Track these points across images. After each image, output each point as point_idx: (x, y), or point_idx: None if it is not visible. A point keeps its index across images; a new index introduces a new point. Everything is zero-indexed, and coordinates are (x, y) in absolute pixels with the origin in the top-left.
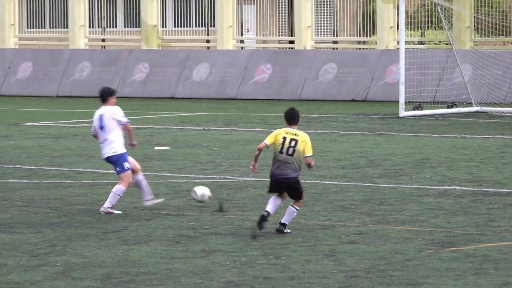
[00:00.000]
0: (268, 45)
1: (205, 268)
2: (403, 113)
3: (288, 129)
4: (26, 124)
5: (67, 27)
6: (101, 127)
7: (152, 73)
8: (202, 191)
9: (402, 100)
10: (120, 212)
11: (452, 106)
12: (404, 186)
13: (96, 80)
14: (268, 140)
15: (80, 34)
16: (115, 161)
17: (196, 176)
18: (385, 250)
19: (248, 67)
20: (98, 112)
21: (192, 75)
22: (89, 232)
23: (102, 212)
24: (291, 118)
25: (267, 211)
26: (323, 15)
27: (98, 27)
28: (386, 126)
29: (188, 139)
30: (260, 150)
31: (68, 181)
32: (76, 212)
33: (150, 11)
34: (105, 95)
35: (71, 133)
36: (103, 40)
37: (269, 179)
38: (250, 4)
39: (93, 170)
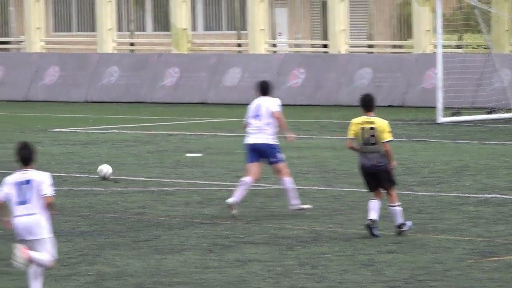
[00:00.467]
0: (301, 49)
1: (240, 278)
2: (441, 119)
3: (364, 118)
4: (54, 130)
5: (94, 31)
6: (256, 116)
7: (182, 78)
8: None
9: (440, 105)
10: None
11: (491, 112)
12: (443, 194)
13: (125, 85)
14: (350, 135)
15: (108, 38)
16: (266, 150)
17: (229, 183)
18: (425, 260)
19: (280, 71)
20: (256, 102)
21: (224, 80)
22: (121, 241)
23: (295, 210)
24: (368, 105)
25: (370, 219)
26: (358, 18)
27: (127, 31)
28: (424, 132)
29: (221, 145)
30: (351, 147)
31: (99, 188)
32: (107, 221)
33: (180, 14)
34: (269, 87)
35: (100, 139)
36: (132, 44)
37: (360, 173)
38: (282, 6)
39: (124, 177)
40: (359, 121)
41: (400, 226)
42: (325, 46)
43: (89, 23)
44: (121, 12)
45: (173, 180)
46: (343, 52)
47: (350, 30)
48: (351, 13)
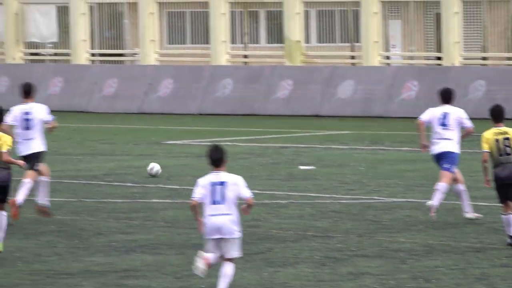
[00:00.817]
0: (414, 61)
1: None
2: None
3: (496, 129)
4: (168, 142)
5: (208, 43)
6: (444, 125)
7: (296, 90)
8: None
9: None
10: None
11: None
12: None
13: (239, 98)
14: (485, 148)
15: (221, 50)
16: (447, 157)
17: (342, 196)
18: None
19: (394, 84)
20: (442, 109)
21: (337, 92)
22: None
23: (470, 217)
24: (498, 115)
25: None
26: (472, 30)
27: (240, 43)
28: None
29: (334, 158)
30: (486, 161)
31: None
32: None
33: (293, 27)
34: (452, 95)
35: None
36: (245, 56)
37: (494, 185)
38: (396, 19)
39: None
40: (491, 133)
41: None
42: (439, 58)
43: (203, 36)
44: (235, 24)
45: (286, 193)
46: (457, 64)
47: (464, 42)
48: (465, 25)
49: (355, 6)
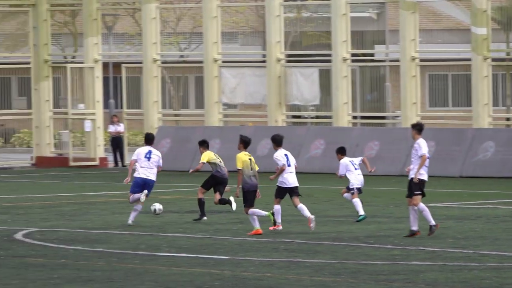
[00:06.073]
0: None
1: None
2: None
3: None
4: (429, 205)
5: (470, 106)
6: None
7: None
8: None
9: None
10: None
11: None
12: None
13: (500, 161)
14: None
15: (484, 113)
16: None
17: None
18: None
19: None
20: None
21: None
22: None
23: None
24: None
25: None
26: None
27: (502, 106)
28: None
29: None
30: None
31: (473, 263)
32: None
33: None
34: None
35: (474, 215)
36: (508, 119)
37: None
38: None
39: (498, 252)
40: None
41: None
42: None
43: (465, 98)
44: (497, 87)
45: None
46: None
47: None
48: None
49: None
